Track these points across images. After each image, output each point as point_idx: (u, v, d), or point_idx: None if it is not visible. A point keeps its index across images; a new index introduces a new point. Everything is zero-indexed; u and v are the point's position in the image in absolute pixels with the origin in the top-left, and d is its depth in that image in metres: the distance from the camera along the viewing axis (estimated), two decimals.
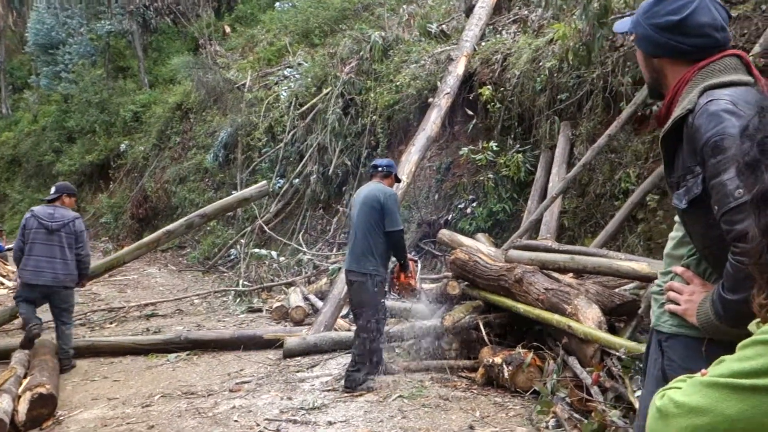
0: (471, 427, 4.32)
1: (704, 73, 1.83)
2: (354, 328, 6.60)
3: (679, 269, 1.91)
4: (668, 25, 1.87)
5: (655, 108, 6.98)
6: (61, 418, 5.26)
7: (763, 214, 1.06)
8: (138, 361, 6.90)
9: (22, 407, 5.10)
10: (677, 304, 1.86)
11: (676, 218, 2.00)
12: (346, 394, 5.24)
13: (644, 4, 1.97)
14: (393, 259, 5.65)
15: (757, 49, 6.10)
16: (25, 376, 5.79)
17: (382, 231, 5.41)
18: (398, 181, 6.22)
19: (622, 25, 2.11)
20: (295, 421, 4.70)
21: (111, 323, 9.07)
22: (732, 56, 1.85)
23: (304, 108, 13.57)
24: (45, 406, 5.22)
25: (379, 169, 5.80)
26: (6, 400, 5.03)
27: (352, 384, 5.34)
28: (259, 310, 9.36)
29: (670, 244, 2.03)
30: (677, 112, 1.83)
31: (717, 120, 1.68)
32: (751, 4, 6.44)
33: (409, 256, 5.83)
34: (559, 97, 8.37)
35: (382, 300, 5.53)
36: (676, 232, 2.00)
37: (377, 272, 5.42)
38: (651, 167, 7.03)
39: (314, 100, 13.34)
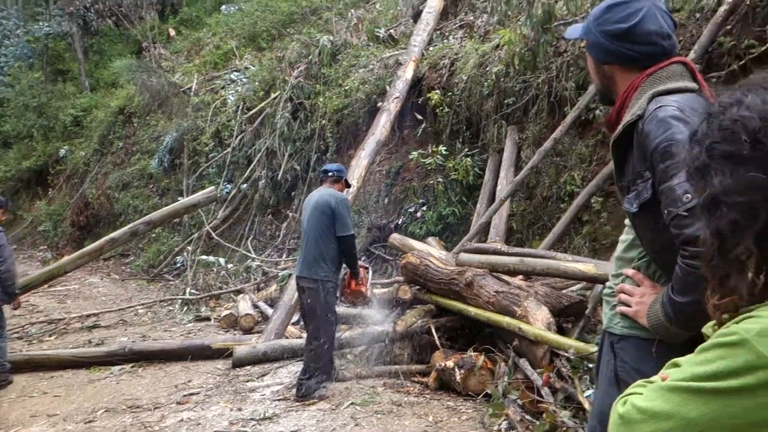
0: None
1: (652, 79, 1.88)
2: (305, 335, 6.54)
3: (630, 272, 1.94)
4: (618, 33, 1.90)
5: (598, 112, 7.13)
6: None
7: (713, 218, 1.08)
8: (80, 375, 6.67)
9: None
10: (628, 305, 1.89)
11: (627, 221, 2.02)
12: (297, 403, 5.17)
13: (595, 12, 2.00)
14: (344, 266, 5.61)
15: (692, 55, 6.29)
16: None
17: (333, 236, 5.37)
18: (348, 185, 6.20)
19: (572, 31, 2.14)
20: None
21: (50, 336, 8.73)
22: (678, 63, 1.90)
23: (252, 112, 13.39)
24: None
25: (329, 174, 5.77)
26: None
27: (305, 392, 5.27)
28: (207, 319, 9.17)
29: (620, 247, 2.06)
30: (627, 117, 1.87)
31: (665, 126, 1.72)
32: (685, 12, 6.64)
33: (360, 262, 5.80)
34: (505, 101, 8.48)
35: (334, 306, 5.47)
36: (626, 235, 2.03)
37: (329, 278, 5.37)
38: (595, 170, 7.18)
39: (262, 105, 13.18)
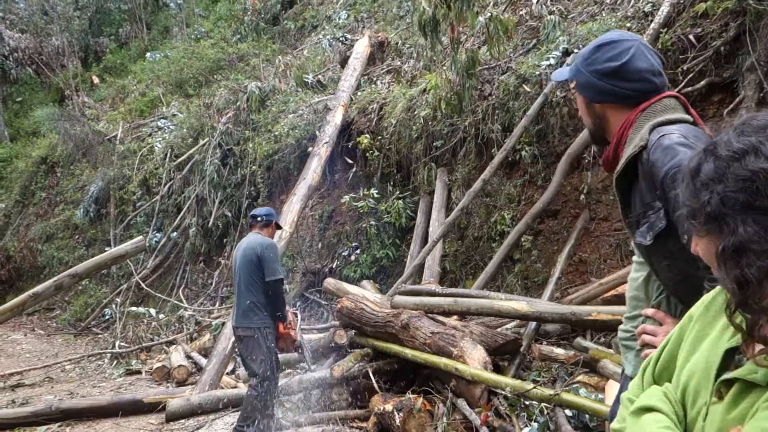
0: None
1: (647, 113, 1.91)
2: (241, 384, 6.42)
3: (650, 311, 1.91)
4: (609, 71, 1.94)
5: (524, 153, 7.40)
6: None
7: (738, 266, 1.06)
8: None
9: None
10: (655, 347, 1.78)
11: (636, 258, 2.01)
12: None
13: (583, 52, 2.03)
14: None
15: None
16: None
17: (262, 283, 5.33)
18: (279, 228, 6.18)
19: (560, 74, 2.17)
20: None
21: None
22: (670, 97, 1.94)
23: (180, 159, 13.22)
24: None
25: (258, 219, 5.72)
26: None
27: None
28: (139, 372, 8.85)
29: (632, 285, 2.03)
30: (629, 150, 1.89)
31: (672, 152, 1.74)
32: None
33: (289, 308, 5.76)
34: (434, 144, 8.68)
35: (275, 351, 5.40)
36: (637, 273, 2.00)
37: (266, 325, 5.30)
38: (524, 209, 7.42)
39: (191, 151, 13.04)
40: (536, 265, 7.14)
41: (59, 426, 6.49)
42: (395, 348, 5.69)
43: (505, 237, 7.29)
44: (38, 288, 8.89)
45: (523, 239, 7.18)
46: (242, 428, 5.18)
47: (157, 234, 13.08)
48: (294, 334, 5.61)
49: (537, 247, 7.24)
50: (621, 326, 2.07)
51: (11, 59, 21.97)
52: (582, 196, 6.93)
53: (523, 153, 7.45)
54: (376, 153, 9.34)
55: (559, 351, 5.47)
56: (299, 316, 6.12)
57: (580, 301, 5.87)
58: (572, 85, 2.09)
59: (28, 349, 11.47)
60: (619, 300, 5.52)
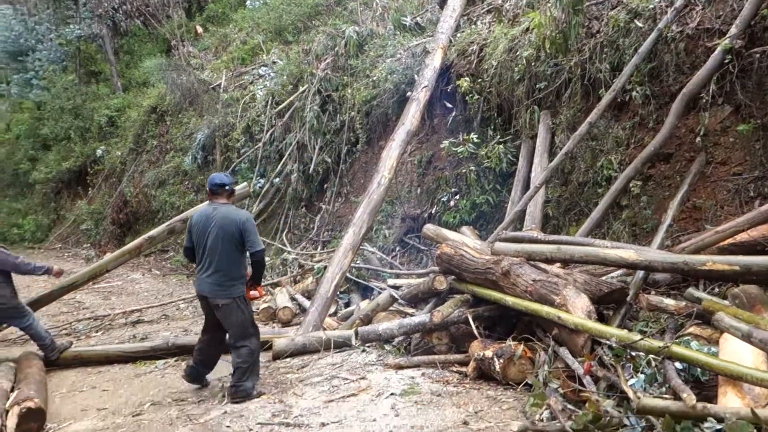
0: (465, 423, 4.31)
1: None
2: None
3: None
4: None
5: (635, 94, 7.01)
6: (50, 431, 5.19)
7: None
8: (126, 369, 6.82)
9: (11, 422, 5.02)
10: None
11: None
12: (337, 395, 5.20)
13: None
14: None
15: (733, 30, 6.14)
16: (11, 390, 5.70)
17: (243, 255, 5.49)
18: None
19: None
20: (287, 424, 4.65)
21: (97, 332, 8.95)
22: None
23: (281, 107, 13.46)
24: (34, 420, 5.14)
25: (226, 187, 5.65)
26: None
27: (244, 394, 5.38)
28: None
29: None
30: None
31: None
32: None
33: None
34: (537, 85, 8.38)
35: (251, 310, 5.66)
36: None
37: (242, 291, 5.54)
38: (632, 153, 7.07)
39: (291, 98, 13.24)
40: (645, 212, 6.82)
41: (175, 360, 6.91)
42: (495, 295, 5.64)
43: (612, 182, 6.99)
44: (153, 232, 9.39)
45: (631, 184, 6.85)
46: (240, 384, 5.41)
47: (260, 180, 13.48)
48: (261, 292, 5.94)
49: (647, 192, 6.91)
50: None
51: (120, 12, 22.88)
52: (698, 139, 6.52)
53: (634, 93, 7.06)
54: (476, 96, 9.11)
55: (669, 301, 5.24)
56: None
57: (693, 250, 5.58)
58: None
59: (146, 288, 12.28)
60: (739, 249, 5.21)
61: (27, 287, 12.06)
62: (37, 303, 8.35)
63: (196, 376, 5.90)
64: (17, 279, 6.85)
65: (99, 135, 21.27)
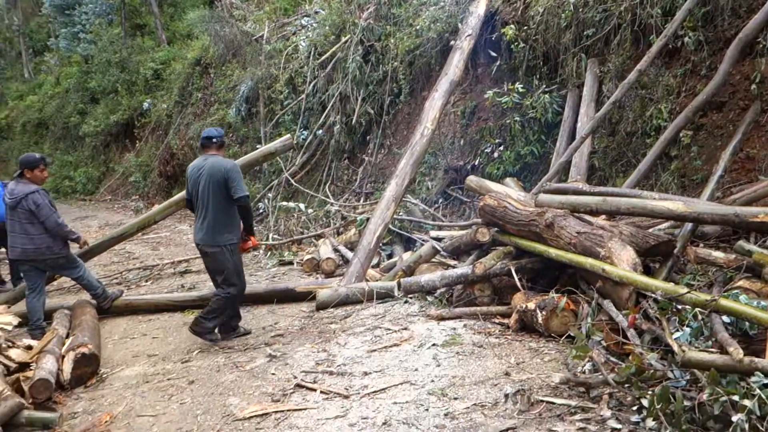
0: (506, 374, 4.33)
1: None
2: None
3: None
4: None
5: (687, 39, 6.73)
6: (104, 376, 5.41)
7: None
8: (175, 318, 7.03)
9: (67, 367, 5.24)
10: None
11: None
12: (379, 345, 5.27)
13: None
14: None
15: None
16: (67, 336, 5.94)
17: (230, 202, 5.64)
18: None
19: None
20: (331, 373, 4.75)
21: (146, 281, 9.24)
22: None
23: (323, 57, 13.36)
24: (88, 365, 5.36)
25: (214, 140, 5.88)
26: (50, 360, 5.16)
27: (202, 330, 5.80)
28: (291, 263, 9.43)
29: None
30: None
31: None
32: None
33: None
34: (585, 33, 8.11)
35: (241, 262, 5.88)
36: None
37: (230, 240, 5.74)
38: (684, 102, 6.83)
39: (333, 49, 13.12)
40: (695, 162, 6.62)
41: None
42: (539, 247, 5.59)
43: (662, 132, 6.79)
44: None
45: (681, 134, 6.64)
46: (205, 321, 5.81)
47: (303, 132, 13.50)
48: (255, 242, 6.13)
49: (697, 142, 6.69)
50: None
51: None
52: (753, 86, 6.25)
53: (686, 39, 6.78)
54: (522, 44, 8.88)
55: (717, 254, 5.11)
56: None
57: (745, 201, 5.41)
58: None
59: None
60: None
61: None
62: (89, 254, 8.61)
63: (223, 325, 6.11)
64: None
65: (145, 88, 21.53)
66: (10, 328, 5.69)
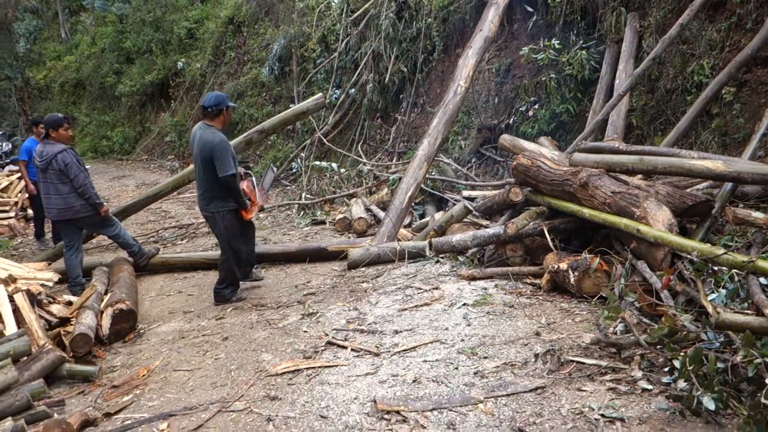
0: (537, 334, 4.32)
1: None
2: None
3: None
4: None
5: None
6: (141, 332, 5.56)
7: None
8: (209, 276, 7.15)
9: (105, 322, 5.40)
10: None
11: None
12: (410, 304, 5.30)
13: None
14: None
15: None
16: (105, 293, 6.10)
17: (217, 177, 5.72)
18: (232, 108, 6.22)
19: None
20: (362, 331, 4.80)
21: (182, 239, 9.39)
22: None
23: (356, 14, 13.18)
24: (126, 321, 5.51)
25: (209, 109, 5.90)
26: (90, 315, 5.32)
27: (221, 299, 6.11)
28: (323, 223, 9.49)
29: None
30: None
31: None
32: None
33: (243, 181, 6.17)
34: None
35: (234, 228, 5.98)
36: None
37: (223, 207, 5.88)
38: (727, 57, 6.59)
39: (366, 6, 12.93)
40: (738, 120, 6.41)
41: (255, 267, 7.19)
42: (572, 207, 5.52)
43: (703, 89, 6.58)
44: (232, 143, 9.58)
45: (723, 91, 6.43)
46: (220, 289, 6.15)
47: (336, 91, 13.43)
48: (258, 203, 6.30)
49: (740, 99, 6.47)
50: None
51: None
52: None
53: None
54: None
55: (757, 215, 4.97)
56: (253, 178, 6.48)
57: None
58: None
59: None
60: None
61: (117, 197, 12.71)
62: (125, 212, 8.79)
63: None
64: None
65: (179, 47, 21.54)
66: (50, 284, 5.86)
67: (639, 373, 3.53)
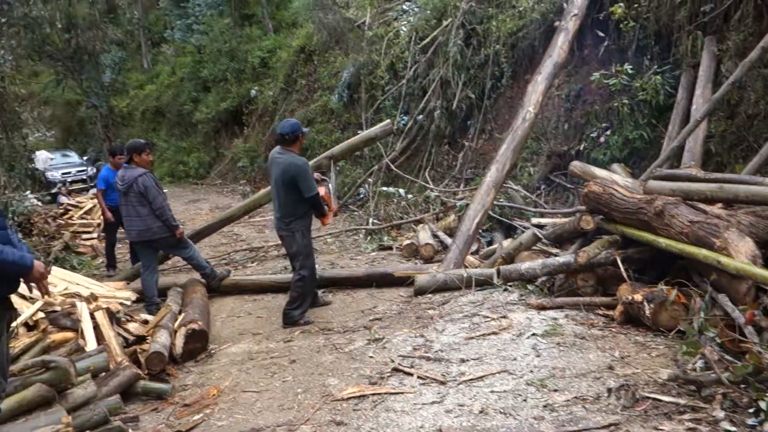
0: (610, 367, 4.17)
1: None
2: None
3: None
4: None
5: None
6: (212, 352, 5.68)
7: None
8: (278, 299, 7.24)
9: (179, 341, 5.54)
10: None
11: None
12: (478, 333, 5.22)
13: None
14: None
15: None
16: (179, 313, 6.27)
17: (300, 197, 5.99)
18: (304, 134, 6.38)
19: None
20: (428, 358, 4.75)
21: (252, 262, 9.58)
22: None
23: (424, 42, 13.30)
24: (199, 341, 5.65)
25: (286, 136, 6.10)
26: (164, 335, 5.48)
27: (290, 320, 6.18)
28: (390, 248, 9.50)
29: None
30: None
31: None
32: None
33: (317, 175, 6.58)
34: (702, 8, 7.64)
35: (310, 245, 6.30)
36: None
37: (301, 225, 6.15)
38: None
39: (434, 33, 13.03)
40: None
41: (323, 292, 7.25)
42: (647, 236, 5.34)
43: None
44: None
45: None
46: (290, 311, 6.21)
47: (404, 117, 13.52)
48: (333, 208, 6.66)
49: None
50: None
51: None
52: None
53: None
54: (632, 23, 8.47)
55: None
56: (329, 183, 6.82)
57: None
58: None
59: None
60: None
61: (191, 220, 13.11)
62: (199, 234, 9.05)
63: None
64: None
65: (252, 76, 22.21)
66: (128, 303, 6.08)
67: (721, 414, 3.35)
